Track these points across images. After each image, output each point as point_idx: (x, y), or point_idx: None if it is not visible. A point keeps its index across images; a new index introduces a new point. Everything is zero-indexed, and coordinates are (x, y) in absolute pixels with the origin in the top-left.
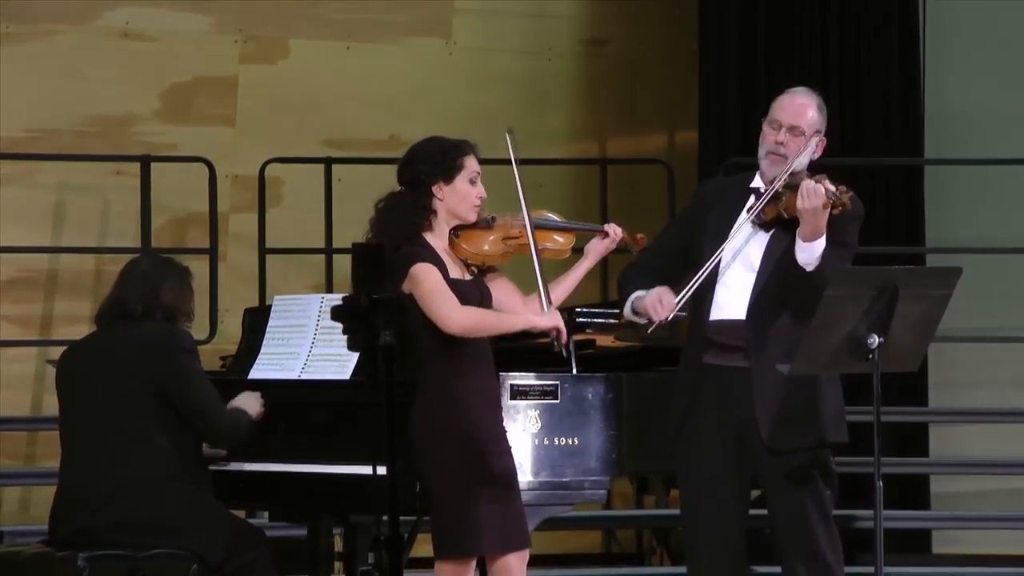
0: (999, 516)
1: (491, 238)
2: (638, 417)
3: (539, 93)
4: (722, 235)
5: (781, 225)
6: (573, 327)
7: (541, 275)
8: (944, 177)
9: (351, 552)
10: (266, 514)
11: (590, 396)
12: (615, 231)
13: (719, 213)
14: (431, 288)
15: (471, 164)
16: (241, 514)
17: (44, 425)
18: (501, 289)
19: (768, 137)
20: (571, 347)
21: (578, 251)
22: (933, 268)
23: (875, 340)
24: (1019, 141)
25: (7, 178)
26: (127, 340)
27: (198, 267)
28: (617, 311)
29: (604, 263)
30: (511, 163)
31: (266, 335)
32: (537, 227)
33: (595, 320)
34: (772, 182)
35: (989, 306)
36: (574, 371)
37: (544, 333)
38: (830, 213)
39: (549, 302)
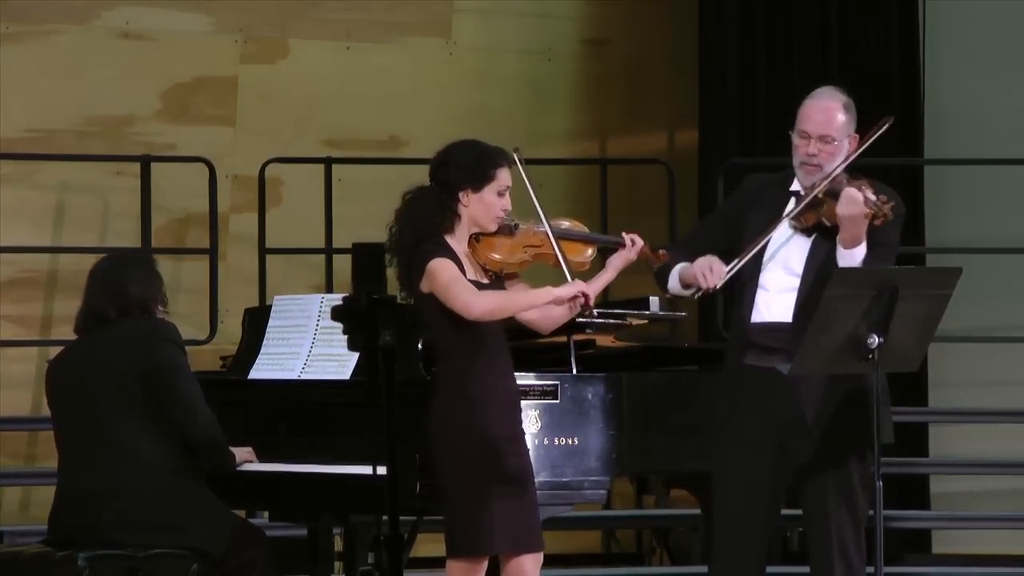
0: (999, 516)
1: (511, 245)
2: (638, 417)
3: (539, 93)
4: (759, 236)
5: (822, 231)
6: (573, 327)
7: (562, 255)
8: (944, 177)
9: (351, 552)
10: (266, 514)
11: (590, 396)
12: (636, 241)
13: (759, 213)
14: (448, 279)
15: (503, 177)
16: (241, 514)
17: (44, 425)
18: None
19: (799, 148)
20: (572, 345)
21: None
22: (933, 268)
23: (875, 340)
24: (1019, 141)
25: (7, 178)
26: (111, 338)
27: (198, 267)
28: (617, 311)
29: (603, 263)
30: (525, 180)
31: (266, 335)
32: (559, 237)
33: (595, 320)
34: (811, 189)
35: (989, 306)
36: (574, 371)
37: (560, 331)
38: (871, 222)
39: (573, 276)
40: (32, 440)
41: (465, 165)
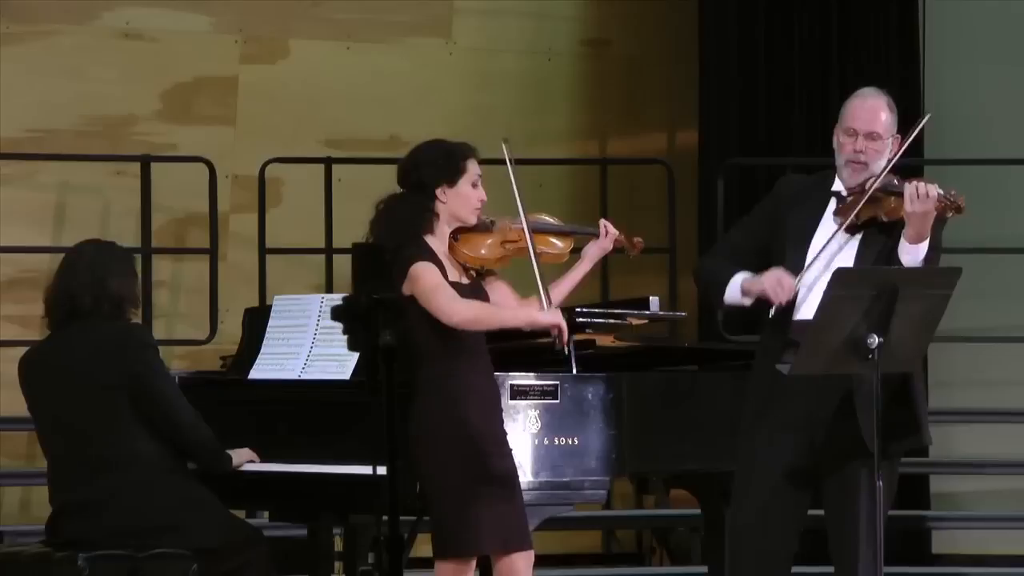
0: (999, 516)
1: (489, 242)
2: (638, 417)
3: (539, 93)
4: (805, 238)
5: (873, 229)
6: (573, 327)
7: (540, 276)
8: (944, 177)
9: (351, 552)
10: (266, 514)
11: (590, 396)
12: (609, 229)
13: (800, 215)
14: (431, 284)
15: (473, 167)
16: (241, 514)
17: None
18: (498, 293)
19: (846, 146)
20: (571, 347)
21: (577, 251)
22: (933, 268)
23: (875, 340)
24: (1019, 141)
25: (7, 178)
26: (87, 342)
27: (198, 267)
28: (617, 311)
29: (604, 263)
30: (509, 172)
31: (266, 335)
32: (535, 231)
33: (595, 320)
34: (861, 187)
35: (989, 306)
36: (574, 371)
37: (545, 332)
38: (943, 216)
39: (549, 302)
40: (32, 440)
41: (436, 163)
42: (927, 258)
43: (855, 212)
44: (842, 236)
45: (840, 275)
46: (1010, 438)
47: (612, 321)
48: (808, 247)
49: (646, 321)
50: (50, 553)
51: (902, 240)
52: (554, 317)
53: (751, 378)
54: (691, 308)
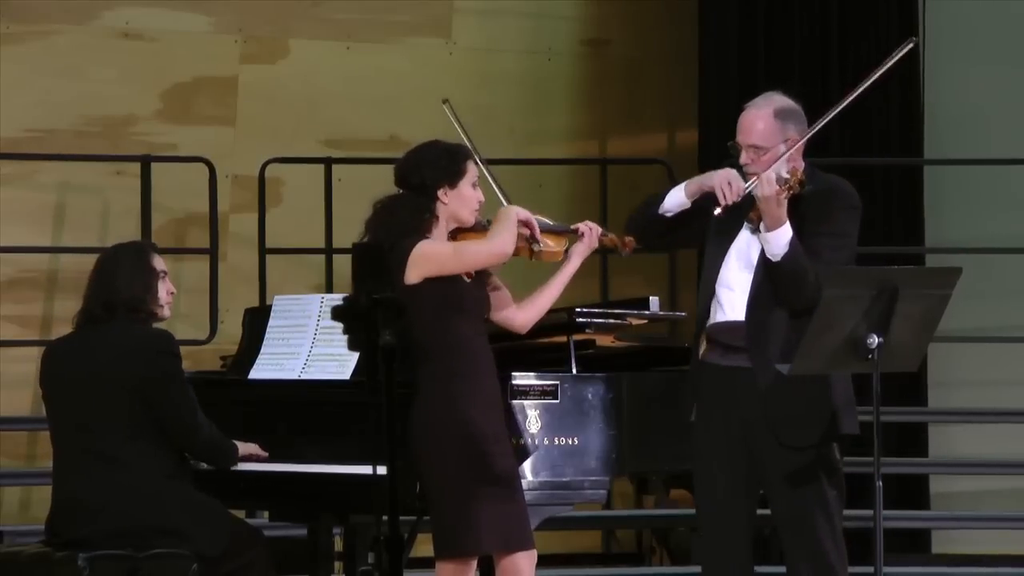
0: (999, 516)
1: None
2: (638, 417)
3: (539, 93)
4: (728, 236)
5: None
6: (573, 327)
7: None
8: (944, 177)
9: (351, 552)
10: (266, 514)
11: (590, 396)
12: (592, 228)
13: (727, 213)
14: (450, 247)
15: (472, 169)
16: (241, 514)
17: (44, 425)
18: (494, 294)
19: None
20: (571, 345)
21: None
22: (933, 268)
23: (875, 340)
24: (1019, 141)
25: (7, 178)
26: (108, 344)
27: (198, 267)
28: (617, 311)
29: (603, 264)
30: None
31: (266, 335)
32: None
33: (595, 320)
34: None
35: (989, 306)
36: (574, 371)
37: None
38: (788, 198)
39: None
40: (32, 440)
41: (438, 164)
42: (831, 245)
43: (753, 212)
44: (751, 237)
45: (840, 275)
46: (1010, 438)
47: (612, 321)
48: (729, 246)
49: (646, 321)
50: (50, 553)
51: (761, 230)
52: (514, 215)
53: (688, 378)
54: (691, 308)
